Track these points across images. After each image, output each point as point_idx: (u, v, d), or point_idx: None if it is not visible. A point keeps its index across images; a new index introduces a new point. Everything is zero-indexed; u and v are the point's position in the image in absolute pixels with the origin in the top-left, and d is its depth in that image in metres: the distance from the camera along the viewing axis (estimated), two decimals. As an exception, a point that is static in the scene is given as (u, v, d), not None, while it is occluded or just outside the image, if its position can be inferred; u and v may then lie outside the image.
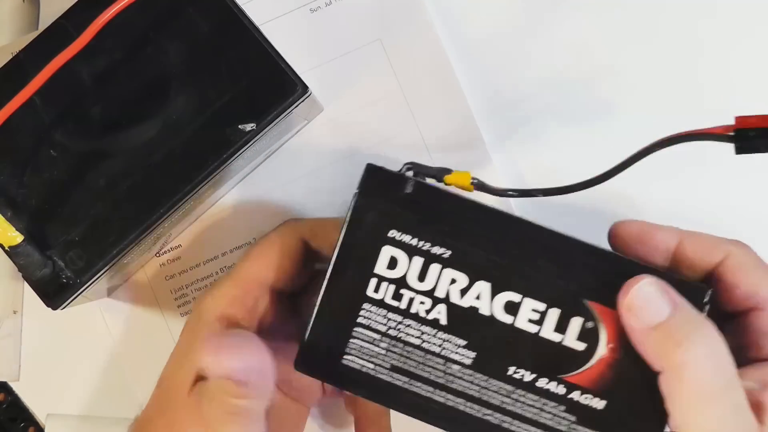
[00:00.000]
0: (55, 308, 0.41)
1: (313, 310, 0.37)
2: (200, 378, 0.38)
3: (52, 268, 0.40)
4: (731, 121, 0.35)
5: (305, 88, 0.40)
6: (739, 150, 0.35)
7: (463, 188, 0.39)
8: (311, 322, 0.37)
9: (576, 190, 0.38)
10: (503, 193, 0.39)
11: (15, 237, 0.39)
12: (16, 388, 0.51)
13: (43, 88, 0.38)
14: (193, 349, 0.40)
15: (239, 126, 0.40)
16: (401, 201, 0.37)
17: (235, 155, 0.40)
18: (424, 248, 0.37)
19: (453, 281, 0.36)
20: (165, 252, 0.49)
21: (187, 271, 0.49)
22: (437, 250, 0.37)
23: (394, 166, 0.38)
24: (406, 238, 0.37)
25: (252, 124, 0.40)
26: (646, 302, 0.35)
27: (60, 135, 0.40)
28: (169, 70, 0.41)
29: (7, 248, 0.40)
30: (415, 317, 0.37)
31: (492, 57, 0.49)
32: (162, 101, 0.40)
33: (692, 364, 0.34)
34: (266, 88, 0.40)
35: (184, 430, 0.38)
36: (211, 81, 0.40)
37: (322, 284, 0.37)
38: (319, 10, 0.49)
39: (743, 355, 0.38)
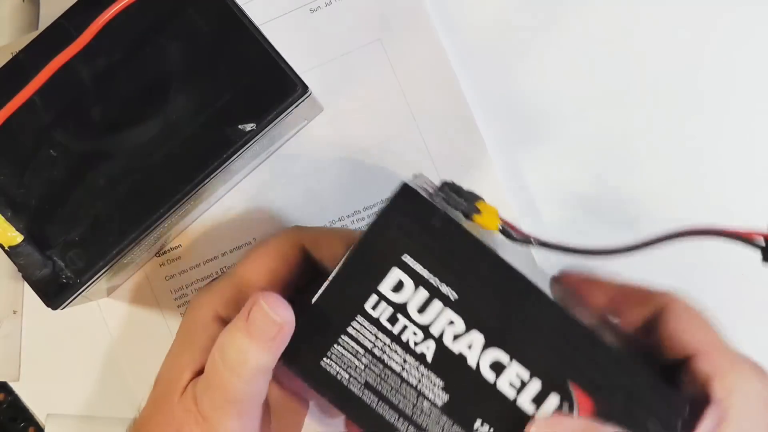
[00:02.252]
0: (55, 308, 0.41)
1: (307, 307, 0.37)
2: (195, 376, 0.39)
3: (52, 268, 0.40)
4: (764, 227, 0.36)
5: (305, 88, 0.40)
6: (766, 259, 0.36)
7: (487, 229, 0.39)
8: (306, 317, 0.37)
9: (595, 255, 0.38)
10: (526, 240, 0.39)
11: (15, 237, 0.39)
12: (16, 388, 0.51)
13: (43, 88, 0.38)
14: (188, 349, 0.40)
15: (239, 126, 0.40)
16: (426, 230, 0.36)
17: (235, 155, 0.40)
18: (433, 283, 0.37)
19: (450, 323, 0.36)
20: (165, 252, 0.49)
21: (187, 271, 0.49)
22: (445, 289, 0.37)
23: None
24: (418, 268, 0.37)
25: (252, 124, 0.40)
26: None
27: (60, 135, 0.40)
28: (169, 70, 0.41)
29: (7, 248, 0.40)
30: (404, 345, 0.37)
31: (493, 57, 0.50)
32: (162, 101, 0.40)
33: None
34: (266, 88, 0.40)
35: (180, 427, 0.38)
36: (211, 81, 0.40)
37: (324, 282, 0.37)
38: (319, 10, 0.49)
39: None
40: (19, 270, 0.40)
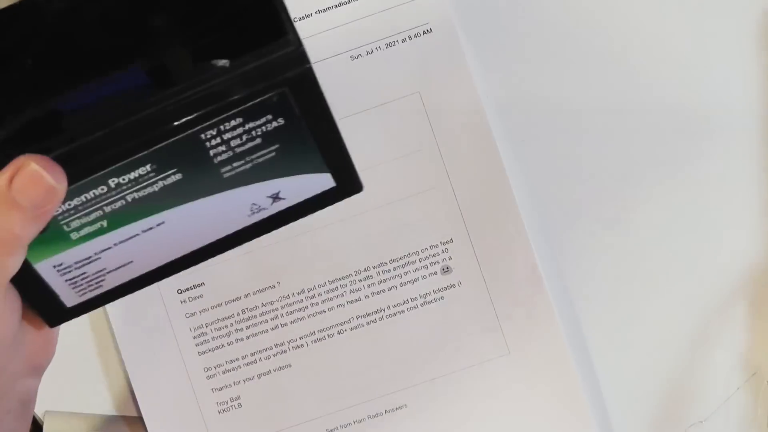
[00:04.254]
0: None
1: None
2: None
3: None
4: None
5: (299, 44, 0.34)
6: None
7: None
8: None
9: None
10: None
11: None
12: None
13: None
14: None
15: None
16: None
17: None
18: None
19: None
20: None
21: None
22: None
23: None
24: None
25: (225, 61, 0.34)
26: None
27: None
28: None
29: None
30: None
31: (532, 119, 0.50)
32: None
33: None
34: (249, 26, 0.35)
35: None
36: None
37: None
38: (359, 58, 0.49)
39: None
40: None
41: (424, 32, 0.49)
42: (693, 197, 0.50)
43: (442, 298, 0.49)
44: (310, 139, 0.37)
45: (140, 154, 0.35)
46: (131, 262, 0.39)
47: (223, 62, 0.34)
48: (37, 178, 0.33)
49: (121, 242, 0.38)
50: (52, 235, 0.37)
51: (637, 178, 0.49)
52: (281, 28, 0.34)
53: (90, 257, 0.38)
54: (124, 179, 0.36)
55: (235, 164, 0.37)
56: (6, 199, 0.33)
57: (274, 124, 0.36)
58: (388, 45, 0.49)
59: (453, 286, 0.49)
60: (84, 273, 0.38)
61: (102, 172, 0.36)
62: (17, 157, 0.33)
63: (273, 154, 0.37)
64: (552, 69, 0.49)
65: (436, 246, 0.48)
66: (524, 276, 0.48)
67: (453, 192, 0.48)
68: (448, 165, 0.48)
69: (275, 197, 0.38)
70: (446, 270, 0.49)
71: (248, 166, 0.37)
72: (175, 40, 0.36)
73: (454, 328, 0.49)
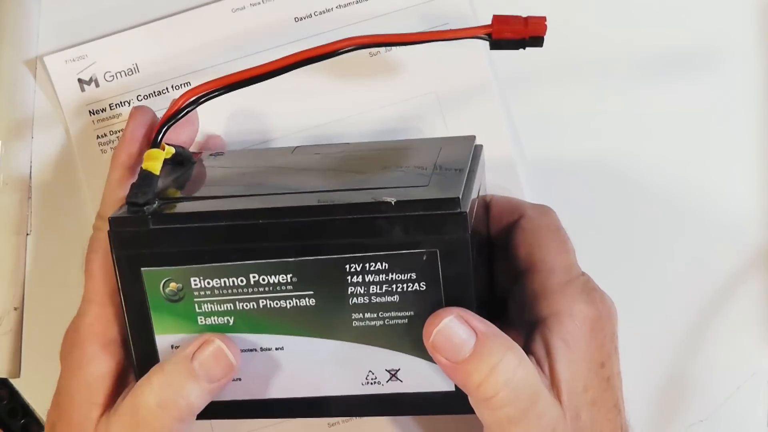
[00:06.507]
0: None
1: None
2: (104, 412, 0.40)
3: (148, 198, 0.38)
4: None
5: (465, 210, 0.36)
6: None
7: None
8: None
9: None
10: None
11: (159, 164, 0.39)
12: (17, 384, 0.51)
13: None
14: (84, 386, 0.41)
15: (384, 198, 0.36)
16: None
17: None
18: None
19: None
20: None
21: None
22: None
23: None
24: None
25: (392, 198, 0.36)
26: (449, 340, 0.36)
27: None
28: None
29: (144, 169, 0.38)
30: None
31: (550, 126, 0.51)
32: None
33: (499, 396, 0.36)
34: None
35: None
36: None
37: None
38: (378, 55, 0.49)
39: (519, 316, 0.41)
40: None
41: (442, 31, 0.49)
42: (694, 197, 0.51)
43: None
44: None
45: (288, 259, 0.37)
46: (239, 379, 0.39)
47: (390, 199, 0.36)
48: (221, 355, 0.37)
49: None
50: (183, 311, 0.38)
51: (636, 177, 0.51)
52: (455, 191, 0.36)
53: None
54: (264, 279, 0.37)
55: (366, 315, 0.38)
56: (188, 370, 0.37)
57: (416, 287, 0.37)
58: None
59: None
60: None
61: (249, 262, 0.37)
62: (203, 334, 0.38)
63: (405, 321, 0.38)
64: (567, 71, 0.51)
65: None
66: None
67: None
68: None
69: (393, 374, 0.39)
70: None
71: (378, 323, 0.38)
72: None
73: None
